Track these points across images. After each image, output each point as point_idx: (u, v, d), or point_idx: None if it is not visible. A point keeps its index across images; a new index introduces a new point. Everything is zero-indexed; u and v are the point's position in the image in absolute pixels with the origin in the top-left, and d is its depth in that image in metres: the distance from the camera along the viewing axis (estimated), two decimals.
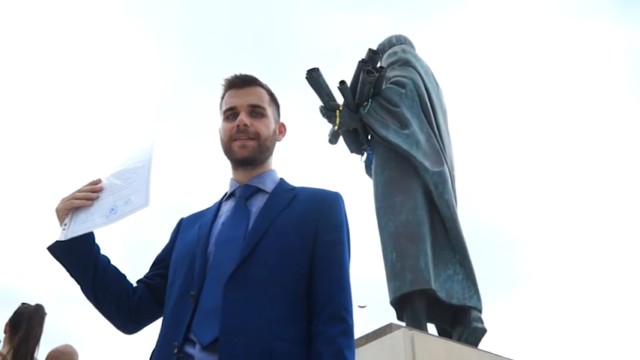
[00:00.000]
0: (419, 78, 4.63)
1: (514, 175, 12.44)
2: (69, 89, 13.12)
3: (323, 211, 1.58)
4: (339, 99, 4.57)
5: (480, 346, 4.06)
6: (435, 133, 4.51)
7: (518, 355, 3.90)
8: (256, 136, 1.63)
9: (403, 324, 3.95)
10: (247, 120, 1.63)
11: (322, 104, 4.56)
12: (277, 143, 1.74)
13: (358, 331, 3.89)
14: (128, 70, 12.89)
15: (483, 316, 4.21)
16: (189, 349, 1.40)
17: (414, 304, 4.07)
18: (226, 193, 1.71)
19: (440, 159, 4.40)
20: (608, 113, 12.41)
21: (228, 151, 1.67)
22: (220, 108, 1.74)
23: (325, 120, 4.64)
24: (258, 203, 1.61)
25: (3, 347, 2.88)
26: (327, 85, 4.51)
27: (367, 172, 4.85)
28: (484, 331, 4.14)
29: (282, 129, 1.77)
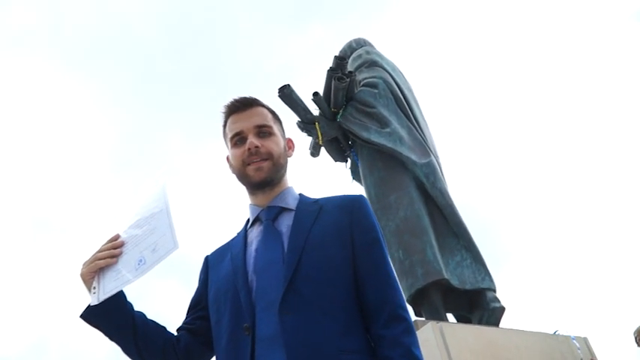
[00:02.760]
0: (388, 75, 4.67)
1: (483, 160, 12.63)
2: (23, 155, 12.78)
3: (354, 216, 1.56)
4: (314, 111, 4.58)
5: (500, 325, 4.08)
6: (414, 126, 4.54)
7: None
8: (269, 156, 1.61)
9: (424, 319, 3.93)
10: (257, 141, 1.60)
11: (299, 119, 4.55)
12: (288, 159, 1.71)
13: None
14: (80, 127, 12.64)
15: None
16: None
17: (430, 297, 4.07)
18: (248, 220, 1.67)
19: (425, 150, 4.43)
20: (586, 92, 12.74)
21: (243, 176, 1.63)
22: (225, 136, 1.71)
23: (305, 134, 4.63)
24: (286, 222, 1.57)
25: None
26: (301, 100, 4.51)
27: (354, 178, 4.85)
28: (503, 309, 4.15)
29: (290, 144, 1.75)
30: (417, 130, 4.54)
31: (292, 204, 1.63)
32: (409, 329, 1.42)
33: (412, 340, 1.41)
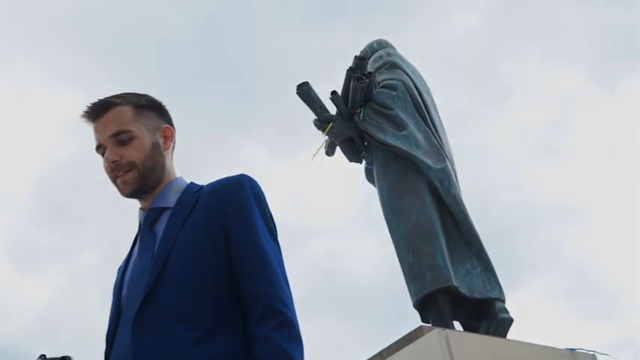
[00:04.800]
0: (408, 78, 4.64)
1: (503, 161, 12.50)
2: (43, 144, 12.95)
3: (226, 200, 1.41)
4: (332, 109, 4.57)
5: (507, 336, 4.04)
6: (431, 131, 4.52)
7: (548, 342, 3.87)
8: (132, 166, 1.47)
9: (431, 325, 3.91)
10: (115, 154, 1.46)
11: (316, 117, 4.55)
12: (166, 152, 1.56)
13: (381, 342, 3.84)
14: None
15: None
16: None
17: (438, 304, 4.04)
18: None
19: (441, 155, 4.41)
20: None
21: (117, 189, 1.51)
22: None
23: (321, 132, 4.62)
24: (163, 224, 1.44)
25: None
26: (318, 98, 4.51)
27: (368, 179, 4.83)
28: (511, 320, 4.13)
29: (167, 133, 1.56)
30: (434, 135, 4.52)
31: (173, 201, 1.49)
32: (284, 324, 1.28)
33: (285, 334, 1.27)
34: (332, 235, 12.74)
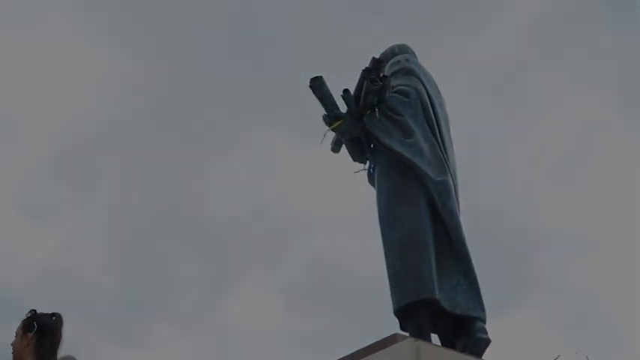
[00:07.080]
0: (422, 87, 4.63)
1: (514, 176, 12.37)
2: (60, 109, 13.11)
3: None
4: (342, 107, 4.57)
5: (484, 357, 4.04)
6: (438, 143, 4.51)
7: None
8: None
9: (407, 334, 3.92)
10: None
11: (326, 113, 4.56)
12: None
13: (359, 342, 3.87)
14: (131, 87, 12.82)
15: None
16: None
17: (418, 314, 4.06)
18: None
19: (443, 168, 4.41)
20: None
21: None
22: None
23: (328, 128, 4.63)
24: None
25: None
26: (330, 94, 4.51)
27: (369, 181, 4.85)
28: (488, 341, 4.13)
29: None
30: (440, 148, 4.51)
31: None
32: None
33: None
34: (337, 230, 12.76)
